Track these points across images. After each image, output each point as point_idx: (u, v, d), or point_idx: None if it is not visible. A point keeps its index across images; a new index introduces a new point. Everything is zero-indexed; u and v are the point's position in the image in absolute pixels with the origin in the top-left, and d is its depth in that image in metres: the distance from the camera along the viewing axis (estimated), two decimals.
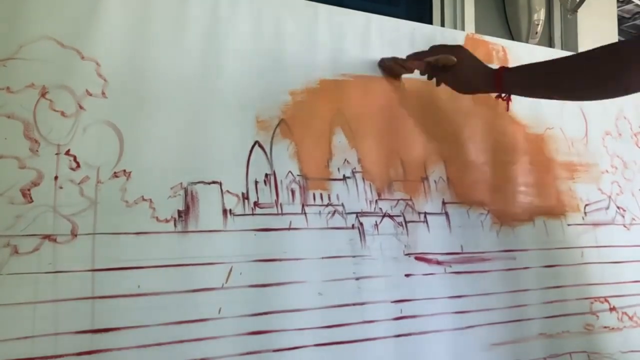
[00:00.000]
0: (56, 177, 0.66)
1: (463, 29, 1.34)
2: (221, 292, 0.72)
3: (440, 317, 0.87)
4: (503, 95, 0.86)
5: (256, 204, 0.78)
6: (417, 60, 0.89)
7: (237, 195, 0.77)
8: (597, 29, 1.54)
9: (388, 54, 0.94)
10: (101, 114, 0.70)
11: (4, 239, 0.62)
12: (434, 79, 0.93)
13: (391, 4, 1.42)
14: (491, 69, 0.87)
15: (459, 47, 0.89)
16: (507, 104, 0.86)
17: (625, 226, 1.14)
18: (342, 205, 0.84)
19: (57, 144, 0.67)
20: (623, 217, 1.14)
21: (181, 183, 0.73)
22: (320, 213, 0.82)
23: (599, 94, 0.81)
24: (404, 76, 0.96)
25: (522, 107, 1.07)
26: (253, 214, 0.77)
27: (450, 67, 0.87)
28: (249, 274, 0.74)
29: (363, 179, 0.87)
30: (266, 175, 0.80)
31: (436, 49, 0.89)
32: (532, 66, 0.83)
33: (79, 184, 0.67)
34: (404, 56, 0.93)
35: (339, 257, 0.82)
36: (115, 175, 0.69)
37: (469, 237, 0.95)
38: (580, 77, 0.77)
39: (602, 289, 1.06)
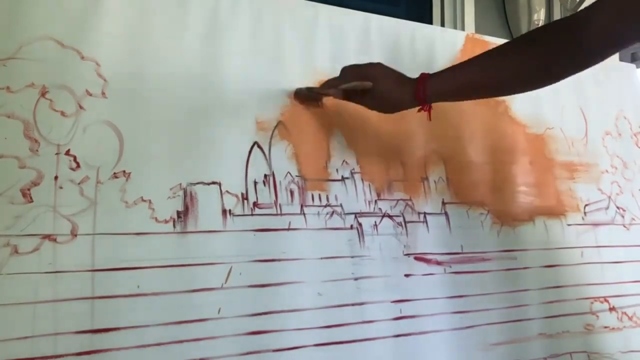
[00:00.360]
0: (56, 177, 0.66)
1: (463, 29, 1.34)
2: (221, 292, 0.72)
3: (440, 317, 0.87)
4: (424, 106, 0.79)
5: (255, 204, 0.78)
6: (332, 88, 0.81)
7: (236, 196, 0.77)
8: None
9: (388, 53, 0.95)
10: (101, 114, 0.70)
11: (4, 238, 0.62)
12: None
13: (391, 4, 1.42)
14: (411, 78, 0.79)
15: (370, 65, 0.80)
16: (429, 114, 0.80)
17: (625, 226, 1.14)
18: (341, 205, 0.84)
19: (57, 143, 0.67)
20: (623, 217, 1.14)
21: (180, 184, 0.73)
22: (319, 214, 0.82)
23: (525, 85, 0.78)
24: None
25: (522, 107, 1.08)
26: (252, 215, 0.77)
27: (368, 90, 0.79)
28: (248, 274, 0.74)
29: (362, 179, 0.87)
30: (265, 175, 0.80)
31: (348, 72, 0.81)
32: (456, 68, 0.78)
33: (79, 184, 0.67)
34: (404, 56, 0.93)
35: (338, 257, 0.82)
36: (115, 175, 0.69)
37: (469, 237, 0.95)
38: (523, 62, 0.73)
39: (602, 289, 1.06)
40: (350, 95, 0.81)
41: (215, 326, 0.71)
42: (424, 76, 0.78)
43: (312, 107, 0.86)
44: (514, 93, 0.80)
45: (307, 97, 0.85)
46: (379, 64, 0.81)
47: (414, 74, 0.83)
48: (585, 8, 0.69)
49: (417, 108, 0.80)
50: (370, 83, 0.77)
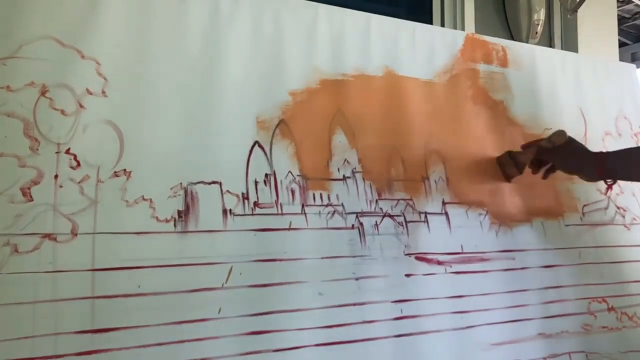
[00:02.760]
0: (56, 176, 0.66)
1: (463, 29, 1.34)
2: (221, 292, 0.72)
3: (440, 317, 0.87)
4: (607, 181, 0.91)
5: (256, 204, 0.78)
6: (530, 146, 0.96)
7: (237, 195, 0.77)
8: (597, 29, 1.54)
9: (388, 54, 0.94)
10: (101, 113, 0.70)
11: (4, 237, 0.62)
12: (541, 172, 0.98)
13: (391, 4, 1.42)
14: (593, 153, 0.91)
15: (560, 131, 0.94)
16: (610, 188, 0.92)
17: (625, 226, 1.14)
18: (342, 205, 0.84)
19: (57, 142, 0.67)
20: (623, 217, 1.14)
21: (181, 183, 0.73)
22: (320, 213, 0.82)
23: None
24: (404, 75, 0.96)
25: (521, 107, 1.08)
26: (253, 214, 0.77)
27: (561, 146, 0.93)
28: (249, 274, 0.74)
29: (363, 179, 0.87)
30: (266, 175, 0.80)
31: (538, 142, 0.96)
32: (631, 149, 0.89)
33: (79, 183, 0.67)
34: (404, 56, 0.93)
35: (339, 257, 0.82)
36: (116, 174, 0.69)
37: (469, 237, 0.95)
38: None
39: (601, 289, 1.06)
40: (542, 152, 0.95)
41: (216, 326, 0.71)
42: (603, 154, 0.90)
43: (313, 106, 0.86)
44: None
45: (505, 166, 1.00)
46: (564, 132, 0.94)
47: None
48: None
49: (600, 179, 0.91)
50: (566, 134, 0.92)
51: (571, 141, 0.93)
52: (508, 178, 1.01)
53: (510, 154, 0.99)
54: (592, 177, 0.92)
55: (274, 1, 0.87)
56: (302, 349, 0.75)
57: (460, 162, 0.98)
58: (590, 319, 1.03)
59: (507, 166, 0.99)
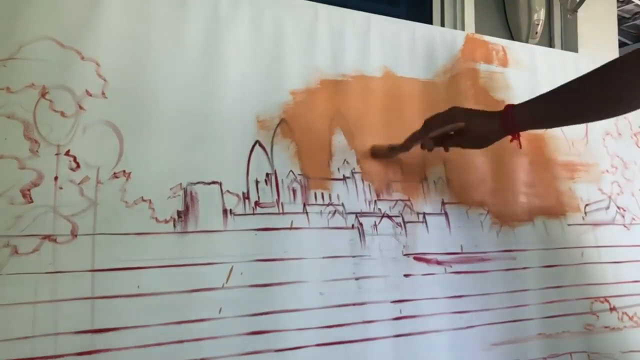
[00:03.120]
0: (56, 178, 0.66)
1: (463, 29, 1.34)
2: (221, 292, 0.72)
3: (439, 317, 0.87)
4: (515, 134, 0.83)
5: (257, 203, 0.78)
6: (418, 141, 0.84)
7: (237, 195, 0.77)
8: (597, 29, 1.54)
9: (388, 54, 0.95)
10: (101, 114, 0.70)
11: (4, 239, 0.62)
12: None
13: (391, 4, 1.42)
14: (495, 111, 0.82)
15: (452, 109, 0.83)
16: (519, 141, 0.83)
17: (625, 226, 1.14)
18: (343, 205, 0.84)
19: (57, 144, 0.67)
20: (623, 217, 1.14)
21: (180, 183, 0.73)
22: (321, 212, 0.82)
23: (603, 112, 0.79)
24: (404, 76, 0.96)
25: None
26: (254, 214, 0.77)
27: (460, 131, 0.82)
28: (249, 274, 0.74)
29: (362, 179, 0.87)
30: (267, 174, 0.80)
31: (431, 122, 0.83)
32: (538, 99, 0.81)
33: (79, 184, 0.67)
34: (404, 56, 0.93)
35: (340, 257, 0.82)
36: (115, 175, 0.70)
37: (469, 237, 0.94)
38: (584, 99, 0.76)
39: (602, 289, 1.06)
40: (441, 142, 0.84)
41: (216, 326, 0.71)
42: (508, 107, 0.81)
43: (314, 105, 0.86)
44: (595, 120, 0.83)
45: (383, 153, 0.89)
46: (457, 107, 0.84)
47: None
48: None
49: (509, 138, 0.82)
50: (463, 123, 0.81)
51: (467, 122, 0.81)
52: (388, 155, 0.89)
53: (390, 148, 0.88)
54: (497, 135, 0.83)
55: (274, 1, 0.87)
56: (303, 348, 0.75)
57: (460, 162, 0.98)
58: (593, 319, 1.03)
59: (389, 154, 0.89)
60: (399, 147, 0.86)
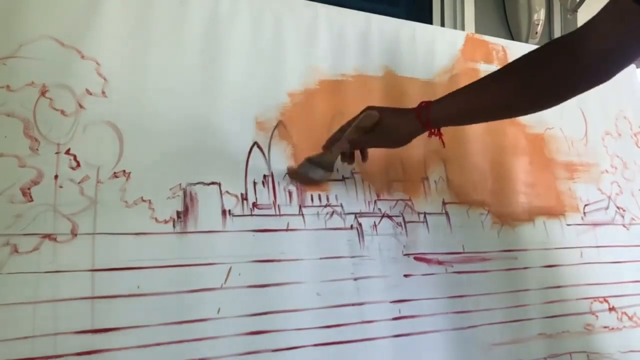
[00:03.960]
0: (56, 176, 0.66)
1: (463, 29, 1.34)
2: (220, 293, 0.72)
3: (439, 317, 0.87)
4: (433, 130, 0.79)
5: (255, 204, 0.78)
6: (336, 143, 0.80)
7: (236, 196, 0.77)
8: None
9: (388, 53, 0.95)
10: (101, 114, 0.70)
11: (4, 238, 0.62)
12: (358, 158, 0.84)
13: (391, 4, 1.42)
14: (409, 108, 0.80)
15: (367, 108, 0.80)
16: (441, 139, 0.80)
17: (624, 226, 1.14)
18: (341, 205, 0.84)
19: (57, 142, 0.67)
20: (623, 217, 1.14)
21: (180, 184, 0.73)
22: (318, 214, 0.82)
23: (523, 107, 0.78)
24: (404, 76, 0.96)
25: None
26: (252, 215, 0.77)
27: (372, 128, 0.78)
28: (247, 275, 0.74)
29: (362, 179, 0.87)
30: (264, 176, 0.80)
31: (346, 125, 0.80)
32: (456, 92, 0.78)
33: (79, 183, 0.67)
34: (404, 56, 0.93)
35: (338, 257, 0.82)
36: (115, 175, 0.69)
37: (470, 237, 0.94)
38: (524, 85, 0.73)
39: (602, 289, 1.06)
40: (357, 143, 0.80)
41: (215, 326, 0.71)
42: (422, 103, 0.78)
43: (312, 107, 0.86)
44: (515, 116, 0.80)
45: (300, 177, 0.82)
46: (371, 105, 0.81)
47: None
48: (582, 25, 0.69)
49: (427, 134, 0.80)
50: (377, 113, 0.78)
51: (382, 118, 0.78)
52: (312, 185, 0.83)
53: (310, 160, 0.81)
54: (414, 132, 0.80)
55: (274, 1, 0.87)
56: (301, 349, 0.75)
57: (461, 162, 0.98)
58: (592, 319, 1.03)
59: (311, 172, 0.81)
60: (320, 155, 0.81)
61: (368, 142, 0.82)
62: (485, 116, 0.82)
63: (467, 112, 0.78)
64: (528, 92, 0.74)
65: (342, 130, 0.81)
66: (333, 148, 0.80)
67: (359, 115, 0.79)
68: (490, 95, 0.75)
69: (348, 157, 0.83)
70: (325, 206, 0.83)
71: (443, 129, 0.81)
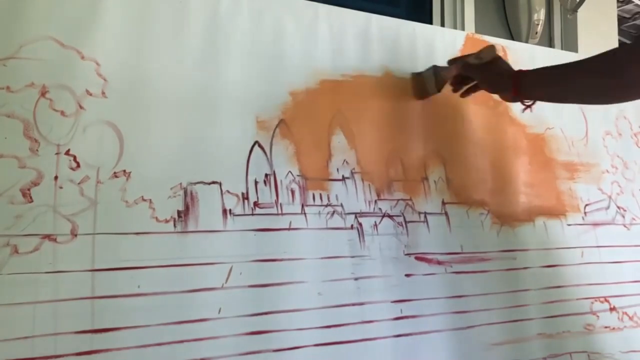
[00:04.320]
0: (56, 177, 0.66)
1: (463, 29, 1.34)
2: (221, 292, 0.72)
3: (440, 317, 0.87)
4: (526, 102, 0.86)
5: (256, 204, 0.78)
6: (457, 60, 0.92)
7: (237, 195, 0.77)
8: (597, 29, 1.54)
9: (388, 53, 0.94)
10: (101, 114, 0.70)
11: (4, 238, 0.62)
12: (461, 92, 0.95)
13: (391, 4, 1.42)
14: (512, 72, 0.86)
15: (489, 46, 0.90)
16: (531, 108, 0.86)
17: (625, 226, 1.14)
18: (341, 205, 0.84)
19: (57, 143, 0.67)
20: (623, 217, 1.14)
21: (181, 183, 0.73)
22: (319, 213, 0.82)
23: (602, 97, 0.81)
24: (404, 76, 0.96)
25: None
26: (253, 214, 0.77)
27: (485, 63, 0.88)
28: (248, 274, 0.74)
29: (362, 179, 0.87)
30: (266, 175, 0.80)
31: (466, 57, 0.91)
32: (546, 68, 0.83)
33: (79, 183, 0.67)
34: (404, 56, 0.93)
35: (339, 257, 0.82)
36: (115, 175, 0.69)
37: (469, 237, 0.94)
38: (586, 81, 0.77)
39: (603, 289, 1.06)
40: (470, 67, 0.90)
41: (216, 326, 0.71)
42: (519, 71, 0.85)
43: (313, 106, 0.86)
44: (592, 104, 0.86)
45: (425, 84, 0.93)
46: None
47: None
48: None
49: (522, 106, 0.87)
50: (496, 50, 0.88)
51: (497, 59, 0.89)
52: (422, 95, 0.95)
53: (435, 68, 0.94)
54: (509, 98, 0.88)
55: (274, 1, 0.87)
56: (302, 349, 0.75)
57: (460, 162, 0.98)
58: (593, 319, 1.03)
59: (427, 81, 0.94)
60: (443, 67, 0.93)
61: (477, 72, 0.90)
62: (567, 98, 0.90)
63: (553, 90, 0.83)
64: (600, 87, 0.76)
65: (467, 55, 0.91)
66: (452, 65, 0.91)
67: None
68: (572, 82, 0.79)
69: (457, 83, 0.94)
70: (326, 205, 0.83)
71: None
